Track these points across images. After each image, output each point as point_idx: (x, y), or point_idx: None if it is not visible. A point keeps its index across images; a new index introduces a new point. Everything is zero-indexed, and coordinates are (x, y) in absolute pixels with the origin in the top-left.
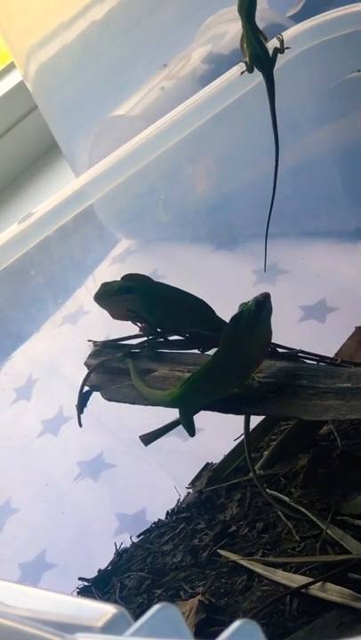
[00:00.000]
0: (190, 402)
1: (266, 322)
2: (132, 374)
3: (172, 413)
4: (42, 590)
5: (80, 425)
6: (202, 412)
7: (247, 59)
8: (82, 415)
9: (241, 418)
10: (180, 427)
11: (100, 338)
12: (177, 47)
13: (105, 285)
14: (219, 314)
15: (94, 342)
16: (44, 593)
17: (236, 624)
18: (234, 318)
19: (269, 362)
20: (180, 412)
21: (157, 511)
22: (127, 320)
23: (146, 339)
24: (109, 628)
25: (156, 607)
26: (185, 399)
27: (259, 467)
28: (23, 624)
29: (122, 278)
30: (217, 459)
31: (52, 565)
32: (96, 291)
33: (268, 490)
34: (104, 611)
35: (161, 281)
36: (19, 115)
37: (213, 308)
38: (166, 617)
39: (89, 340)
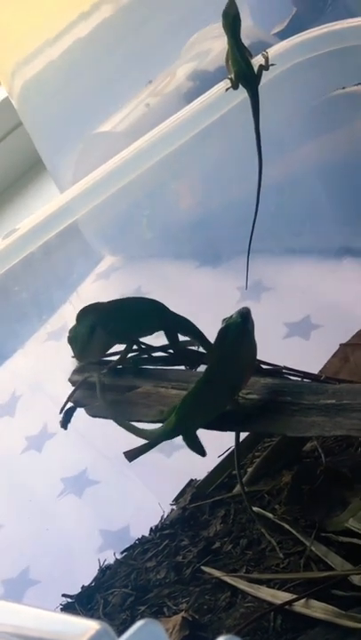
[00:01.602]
0: (189, 425)
1: (252, 334)
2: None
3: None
4: (25, 606)
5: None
6: None
7: (232, 75)
8: (65, 432)
9: (224, 434)
10: (165, 443)
11: None
12: (162, 64)
13: (74, 343)
14: (203, 330)
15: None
16: (27, 609)
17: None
18: (221, 332)
19: (254, 378)
20: (183, 438)
21: (141, 528)
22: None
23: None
24: None
25: (139, 623)
26: (183, 424)
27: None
28: None
29: (76, 319)
30: (201, 475)
31: (36, 582)
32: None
33: (252, 506)
34: (87, 627)
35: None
36: (3, 131)
37: (197, 324)
38: (149, 633)
39: (73, 357)
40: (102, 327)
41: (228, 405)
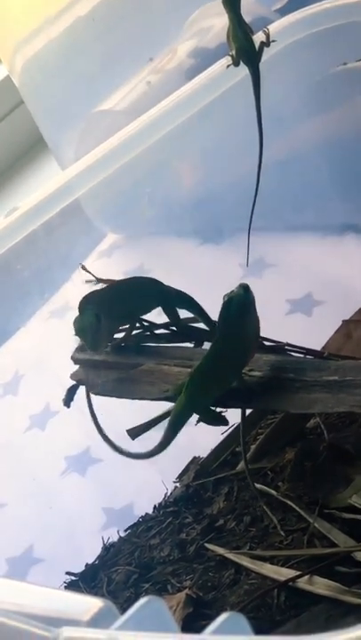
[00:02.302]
0: (200, 402)
1: (254, 307)
2: None
3: (159, 407)
4: (28, 584)
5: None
6: None
7: (233, 52)
8: (68, 410)
9: (227, 412)
10: (167, 420)
11: None
12: (163, 41)
13: (84, 335)
14: (205, 308)
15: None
16: (30, 587)
17: (223, 617)
18: (225, 305)
19: (256, 355)
20: (199, 416)
21: (145, 505)
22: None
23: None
24: (96, 621)
25: (142, 600)
26: (194, 401)
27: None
28: (9, 618)
29: (79, 310)
30: (204, 452)
31: (40, 560)
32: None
33: (255, 484)
34: (91, 604)
35: (148, 276)
36: (5, 110)
37: (200, 302)
38: (153, 610)
39: (75, 335)
40: (107, 315)
41: (235, 380)
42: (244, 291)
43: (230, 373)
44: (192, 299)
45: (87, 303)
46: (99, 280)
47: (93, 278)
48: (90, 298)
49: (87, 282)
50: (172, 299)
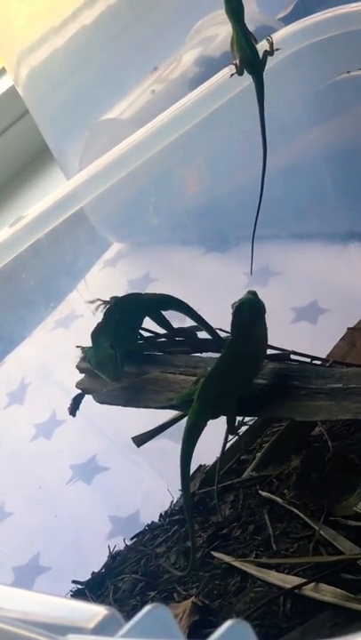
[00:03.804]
0: (214, 403)
1: (265, 311)
2: None
3: (165, 415)
4: (33, 592)
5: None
6: None
7: (237, 61)
8: (74, 419)
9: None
10: (172, 428)
11: None
12: (167, 50)
13: (105, 369)
14: (211, 316)
15: (82, 348)
16: (35, 595)
17: (228, 624)
18: (237, 308)
19: None
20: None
21: (151, 514)
22: None
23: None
24: (101, 629)
25: (147, 608)
26: (208, 403)
27: (251, 468)
28: (14, 626)
29: (92, 343)
30: (210, 461)
31: (46, 569)
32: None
33: (260, 491)
34: (95, 612)
35: (153, 284)
36: (10, 119)
37: (205, 310)
38: (158, 618)
39: (77, 346)
40: (119, 345)
41: (249, 385)
42: (254, 295)
43: (244, 377)
44: (173, 298)
45: (99, 335)
46: (100, 300)
47: (95, 300)
48: (100, 330)
49: (89, 302)
50: (155, 305)
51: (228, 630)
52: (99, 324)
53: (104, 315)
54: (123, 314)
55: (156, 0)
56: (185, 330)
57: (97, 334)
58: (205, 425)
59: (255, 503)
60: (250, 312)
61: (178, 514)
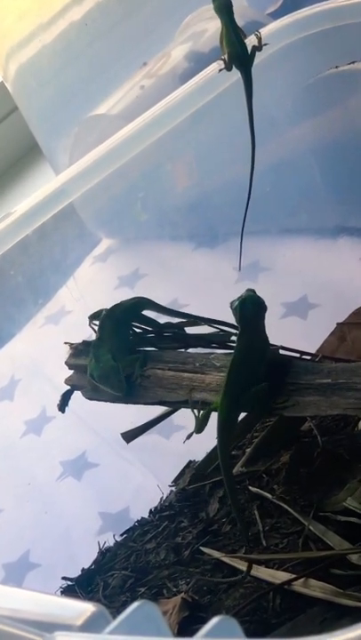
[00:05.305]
0: (240, 392)
1: (266, 307)
2: None
3: (154, 411)
4: (22, 590)
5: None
6: (182, 411)
7: (226, 56)
8: (64, 415)
9: None
10: (162, 424)
11: (83, 337)
12: (157, 45)
13: (110, 383)
14: (201, 312)
15: (70, 344)
16: (23, 592)
17: (215, 620)
18: (241, 304)
19: None
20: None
21: (140, 510)
22: None
23: None
24: (88, 626)
25: (134, 605)
26: (235, 395)
27: (241, 464)
28: (2, 623)
29: (94, 356)
30: (199, 456)
31: (36, 565)
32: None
33: (250, 487)
34: (83, 609)
35: (143, 280)
36: None
37: (195, 305)
38: (145, 614)
39: (65, 343)
40: (119, 354)
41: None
42: (253, 292)
43: (255, 369)
44: (146, 298)
45: (98, 348)
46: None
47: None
48: (98, 343)
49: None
50: (134, 308)
51: (215, 626)
52: (95, 339)
53: (98, 328)
54: (115, 324)
55: None
56: (172, 325)
57: (96, 348)
58: (237, 420)
59: (245, 499)
60: (253, 306)
61: (167, 510)
